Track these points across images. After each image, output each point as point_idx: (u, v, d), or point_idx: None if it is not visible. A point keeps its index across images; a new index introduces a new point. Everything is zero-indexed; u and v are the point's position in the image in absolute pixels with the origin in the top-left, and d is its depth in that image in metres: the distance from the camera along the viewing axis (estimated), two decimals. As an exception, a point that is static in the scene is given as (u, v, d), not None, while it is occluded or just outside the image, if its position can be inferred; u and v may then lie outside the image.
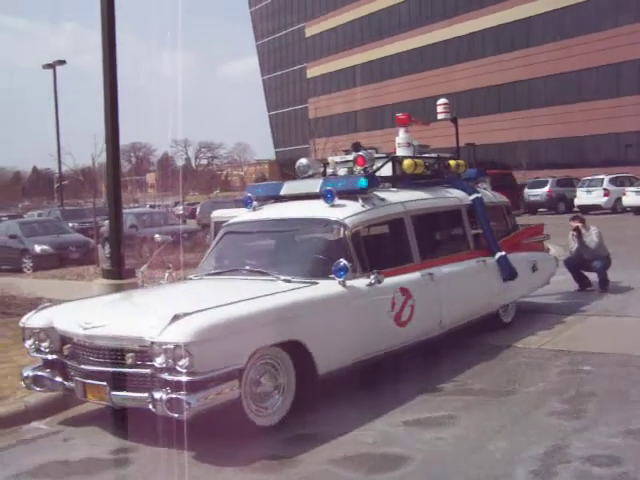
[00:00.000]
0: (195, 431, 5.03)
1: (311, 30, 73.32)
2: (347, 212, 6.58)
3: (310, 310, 5.69)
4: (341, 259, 5.99)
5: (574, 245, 10.86)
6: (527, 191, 33.53)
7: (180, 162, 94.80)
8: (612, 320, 8.82)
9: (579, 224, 10.88)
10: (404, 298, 6.58)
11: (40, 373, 5.78)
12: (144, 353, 5.04)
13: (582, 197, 31.16)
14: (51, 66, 34.42)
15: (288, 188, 7.39)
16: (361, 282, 6.16)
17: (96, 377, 5.28)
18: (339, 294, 5.96)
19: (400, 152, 8.25)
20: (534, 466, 4.56)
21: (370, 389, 6.33)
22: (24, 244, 19.16)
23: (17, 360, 7.59)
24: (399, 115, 8.33)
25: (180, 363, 4.77)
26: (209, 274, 6.76)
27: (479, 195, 8.39)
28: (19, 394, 6.41)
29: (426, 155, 8.33)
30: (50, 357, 5.78)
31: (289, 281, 6.05)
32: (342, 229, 6.41)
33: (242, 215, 7.36)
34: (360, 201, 6.77)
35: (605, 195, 30.33)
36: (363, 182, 6.85)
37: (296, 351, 5.50)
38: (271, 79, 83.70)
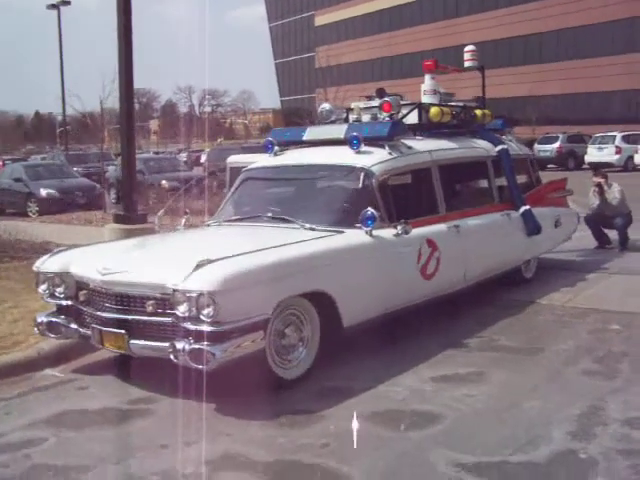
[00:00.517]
0: (217, 383, 4.84)
1: (320, -24, 71.68)
2: (374, 159, 6.30)
3: (336, 260, 5.46)
4: (369, 208, 5.74)
5: (595, 201, 10.58)
6: (537, 146, 33.01)
7: (184, 109, 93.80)
8: (635, 279, 8.58)
9: (602, 180, 10.58)
10: (430, 250, 6.35)
11: (54, 319, 5.57)
12: (165, 301, 4.82)
13: (593, 154, 30.68)
14: (55, 7, 33.61)
15: (311, 133, 7.08)
16: (388, 232, 5.91)
17: (114, 325, 5.07)
18: (366, 244, 5.72)
19: (426, 100, 7.90)
20: (571, 427, 4.37)
21: (395, 343, 6.13)
22: (29, 188, 18.87)
23: (28, 305, 7.40)
24: (426, 61, 7.96)
25: (204, 312, 4.55)
26: (228, 220, 6.50)
27: (505, 147, 8.09)
28: (31, 340, 6.22)
29: (452, 104, 7.99)
30: (65, 303, 5.57)
31: (314, 229, 5.80)
32: (369, 177, 6.14)
33: (262, 160, 7.07)
34: (387, 148, 6.49)
35: (617, 153, 29.85)
36: (390, 128, 6.56)
37: (321, 302, 5.28)
38: (278, 27, 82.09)
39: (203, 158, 41.46)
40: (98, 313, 5.19)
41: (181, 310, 4.65)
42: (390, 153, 6.45)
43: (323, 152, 6.72)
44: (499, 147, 7.98)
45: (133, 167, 8.94)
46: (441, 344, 6.14)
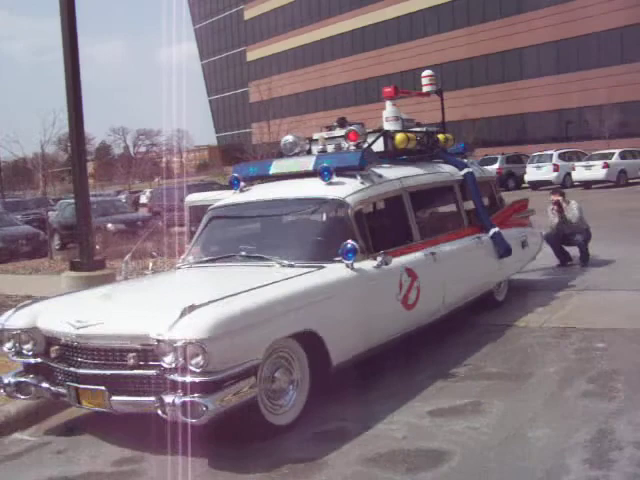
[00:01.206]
0: (206, 434, 4.55)
1: (250, 13, 72.13)
2: (347, 190, 6.13)
3: (322, 297, 5.24)
4: (348, 240, 5.55)
5: (554, 220, 10.66)
6: (476, 169, 33.52)
7: (118, 150, 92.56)
8: (605, 295, 8.61)
9: (559, 198, 10.68)
10: (410, 280, 6.19)
11: (23, 379, 5.17)
12: (148, 352, 4.51)
13: (532, 173, 31.36)
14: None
15: (278, 167, 6.88)
16: (368, 264, 5.73)
17: (92, 381, 4.71)
18: (349, 278, 5.52)
19: (388, 126, 7.81)
20: (585, 454, 4.23)
21: (382, 377, 5.93)
22: (-31, 237, 18.06)
23: (-16, 364, 6.94)
24: (386, 88, 7.89)
25: (193, 362, 4.26)
26: (200, 262, 6.22)
27: (470, 170, 8.05)
28: (-6, 403, 5.80)
29: (415, 129, 7.93)
30: (33, 361, 5.18)
31: (292, 266, 5.58)
32: (344, 208, 5.97)
33: (229, 197, 6.83)
34: (359, 178, 6.33)
35: (555, 170, 30.56)
36: (362, 158, 6.42)
37: (309, 342, 5.05)
38: (210, 63, 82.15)
39: (142, 199, 40.81)
40: (73, 370, 4.83)
41: (167, 361, 4.35)
42: (362, 182, 6.30)
43: (293, 185, 6.52)
44: (465, 170, 7.94)
45: (87, 210, 8.57)
46: (429, 375, 5.97)
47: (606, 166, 28.64)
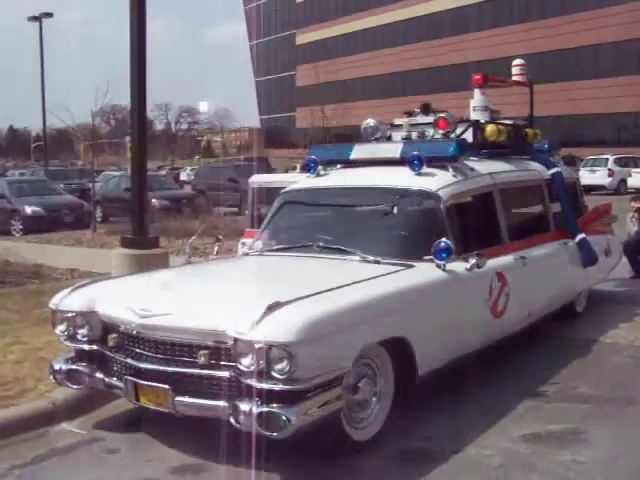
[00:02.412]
0: (278, 447, 4.01)
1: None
2: (440, 182, 5.55)
3: (413, 300, 4.68)
4: (442, 238, 4.97)
5: (634, 228, 9.93)
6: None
7: (160, 126, 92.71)
8: (693, 314, 7.90)
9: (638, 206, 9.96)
10: (500, 285, 5.60)
11: (76, 367, 4.69)
12: (222, 351, 3.99)
13: (586, 177, 30.21)
14: (37, 19, 32.57)
15: (360, 152, 6.30)
16: (459, 266, 5.14)
17: (154, 377, 4.21)
18: (441, 280, 4.95)
19: (475, 117, 7.19)
20: None
21: (464, 392, 5.32)
22: (13, 204, 17.80)
23: (30, 342, 6.52)
24: (475, 75, 7.26)
25: (277, 367, 3.72)
26: (271, 250, 5.68)
27: (559, 169, 7.42)
28: (41, 387, 5.35)
29: (504, 122, 7.28)
30: (88, 348, 4.69)
31: (378, 262, 5.02)
32: (436, 202, 5.39)
33: (305, 181, 6.27)
34: (451, 170, 5.74)
35: (610, 175, 29.51)
36: (455, 148, 5.81)
37: (397, 349, 4.49)
38: (259, 45, 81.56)
39: (182, 176, 40.52)
40: (134, 362, 4.33)
41: (245, 363, 3.82)
42: (454, 175, 5.71)
43: (377, 173, 5.95)
44: (553, 170, 7.29)
45: (144, 185, 8.08)
46: (516, 393, 5.38)
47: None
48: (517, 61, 7.85)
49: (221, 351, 3.99)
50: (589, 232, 7.72)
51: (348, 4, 64.61)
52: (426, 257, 5.06)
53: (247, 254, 5.80)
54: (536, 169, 7.20)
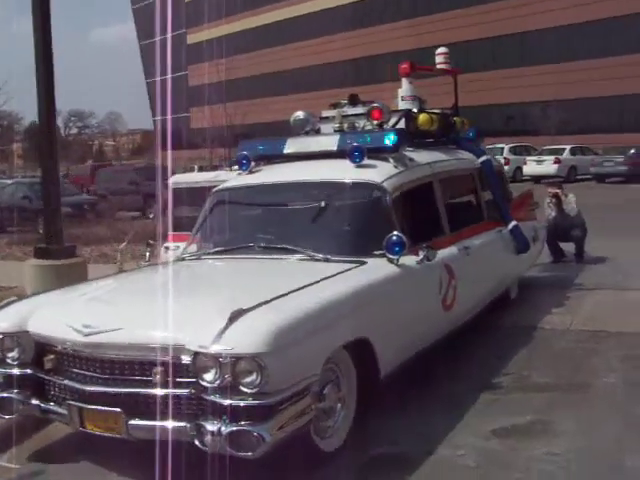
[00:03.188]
0: (240, 464, 3.67)
1: (191, -6, 70.16)
2: (384, 174, 5.35)
3: (372, 298, 4.46)
4: (394, 232, 4.78)
5: (552, 213, 10.12)
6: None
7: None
8: (619, 295, 8.06)
9: (558, 190, 10.16)
10: (448, 277, 5.48)
11: (7, 395, 4.18)
12: (181, 367, 3.63)
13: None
14: None
15: (294, 145, 6.02)
16: (410, 259, 4.96)
17: (103, 400, 3.79)
18: (395, 275, 4.75)
19: (404, 106, 7.06)
20: None
21: (419, 390, 5.15)
22: None
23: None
24: (402, 64, 7.13)
25: (246, 381, 3.41)
26: (210, 253, 5.32)
27: (488, 157, 7.40)
28: (-38, 420, 4.78)
29: (433, 111, 7.18)
30: (19, 372, 4.20)
31: (328, 260, 4.77)
32: (381, 194, 5.19)
33: (237, 179, 5.93)
34: (392, 161, 5.56)
35: (505, 164, 30.33)
36: (395, 138, 5.63)
37: (358, 351, 4.25)
38: (149, 45, 79.49)
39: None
40: (77, 385, 3.90)
41: (208, 379, 3.48)
42: (396, 166, 5.53)
43: (316, 167, 5.69)
44: (483, 157, 7.27)
45: (57, 192, 7.51)
46: (471, 386, 5.27)
47: (558, 161, 28.67)
48: (441, 49, 7.78)
49: (179, 367, 3.63)
50: (517, 219, 7.77)
51: (239, 1, 63.99)
52: (376, 252, 4.86)
53: (183, 259, 5.41)
54: (467, 158, 7.14)
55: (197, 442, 3.51)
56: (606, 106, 40.47)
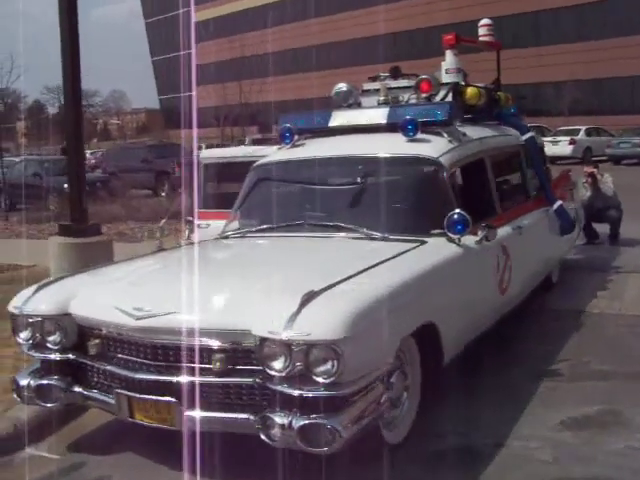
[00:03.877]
0: (298, 457, 3.39)
1: (198, -28, 69.26)
2: (439, 148, 5.04)
3: (437, 280, 4.16)
4: (456, 210, 4.47)
5: (587, 193, 9.77)
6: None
7: (53, 110, 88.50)
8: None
9: (594, 170, 9.82)
10: (505, 258, 5.18)
11: (48, 381, 3.91)
12: (245, 354, 3.34)
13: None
14: None
15: (339, 118, 5.68)
16: (469, 239, 4.65)
17: (156, 390, 3.52)
18: (457, 256, 4.45)
19: (448, 80, 6.70)
20: None
21: (475, 378, 4.86)
22: None
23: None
24: (446, 35, 6.77)
25: (320, 370, 3.12)
26: (255, 231, 5.00)
27: (533, 134, 7.07)
28: (-4, 406, 4.52)
29: (480, 85, 6.83)
30: (60, 357, 3.92)
31: (386, 239, 4.47)
32: (439, 170, 4.87)
33: (280, 153, 5.62)
34: (445, 135, 5.24)
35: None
36: (448, 111, 5.32)
37: (422, 337, 3.96)
38: (154, 22, 78.68)
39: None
40: (127, 373, 3.61)
41: (277, 367, 3.19)
42: (450, 141, 5.21)
43: (365, 141, 5.37)
44: (527, 135, 6.93)
45: (82, 167, 7.19)
46: (529, 373, 5.01)
47: (573, 142, 28.23)
48: (484, 21, 7.42)
49: (242, 354, 3.35)
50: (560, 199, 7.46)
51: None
52: (434, 231, 4.56)
53: (226, 237, 5.10)
54: (512, 134, 6.82)
55: (263, 436, 3.24)
56: (620, 87, 39.97)
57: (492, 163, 5.73)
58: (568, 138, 28.43)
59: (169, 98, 74.58)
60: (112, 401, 3.70)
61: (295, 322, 3.10)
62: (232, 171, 6.80)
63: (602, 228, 9.90)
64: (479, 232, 4.70)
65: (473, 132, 5.82)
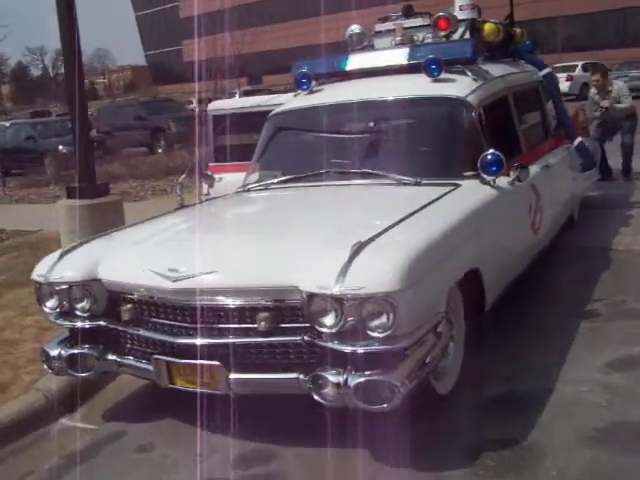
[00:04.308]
0: (348, 413, 3.27)
1: None
2: (465, 88, 4.82)
3: (479, 224, 4.00)
4: (489, 150, 4.28)
5: (595, 113, 9.35)
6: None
7: (37, 72, 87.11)
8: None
9: (602, 78, 9.48)
10: (535, 198, 5.02)
11: (80, 350, 3.76)
12: (290, 311, 3.19)
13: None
14: None
15: (357, 62, 5.44)
16: (502, 180, 4.47)
17: (197, 353, 3.37)
18: (494, 198, 4.28)
19: (463, 17, 6.41)
20: None
21: (513, 321, 4.74)
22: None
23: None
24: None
25: (375, 324, 2.97)
26: (279, 182, 4.79)
27: (550, 70, 6.84)
28: (24, 378, 4.39)
29: (495, 21, 6.55)
30: (90, 325, 3.76)
31: (419, 184, 4.29)
32: (468, 110, 4.66)
33: (298, 100, 5.38)
34: (470, 74, 5.01)
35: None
36: (472, 48, 5.09)
37: (466, 284, 3.81)
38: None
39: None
40: (167, 338, 3.46)
41: (328, 324, 3.04)
42: (475, 80, 4.98)
43: (388, 83, 5.13)
44: (545, 70, 6.71)
45: (87, 129, 6.95)
46: (566, 315, 4.90)
47: (570, 79, 27.79)
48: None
49: (288, 311, 3.20)
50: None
51: None
52: (467, 173, 4.39)
53: (248, 190, 4.90)
54: (530, 70, 6.58)
55: (315, 395, 3.10)
56: (611, 20, 39.33)
57: (515, 101, 5.52)
58: (565, 75, 27.93)
59: (156, 53, 73.31)
60: (150, 368, 3.55)
61: (347, 275, 2.94)
62: (243, 122, 6.56)
63: (614, 162, 9.71)
64: (511, 172, 4.52)
65: (495, 70, 5.59)
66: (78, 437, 3.83)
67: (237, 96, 10.36)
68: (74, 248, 3.93)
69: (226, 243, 3.52)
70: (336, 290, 2.93)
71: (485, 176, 4.28)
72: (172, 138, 19.20)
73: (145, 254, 3.68)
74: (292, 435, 3.47)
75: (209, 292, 3.27)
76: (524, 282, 5.02)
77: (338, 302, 2.97)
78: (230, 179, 5.62)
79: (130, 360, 3.70)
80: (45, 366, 3.92)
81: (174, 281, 3.32)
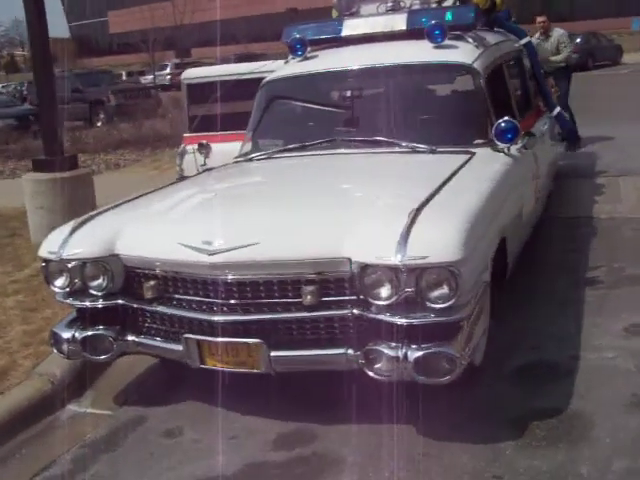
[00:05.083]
0: (371, 390, 3.16)
1: None
2: (470, 54, 4.73)
3: (504, 193, 3.93)
4: (505, 117, 4.22)
5: (537, 40, 9.19)
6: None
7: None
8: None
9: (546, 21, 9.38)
10: (536, 166, 5.01)
11: (95, 332, 3.52)
12: (338, 283, 3.05)
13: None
14: None
15: (353, 27, 5.26)
16: (512, 148, 4.42)
17: (235, 331, 3.20)
18: (511, 166, 4.22)
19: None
20: None
21: (522, 290, 4.71)
22: None
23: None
24: None
25: (434, 295, 2.87)
26: (282, 151, 4.60)
27: (530, 38, 6.84)
28: (24, 362, 4.13)
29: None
30: (106, 303, 3.53)
31: (434, 152, 4.19)
32: (476, 76, 4.58)
33: (292, 66, 5.17)
34: (471, 40, 4.93)
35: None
36: (474, 13, 5.00)
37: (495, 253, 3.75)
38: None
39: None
40: (201, 316, 3.27)
41: (383, 295, 2.92)
42: (477, 46, 4.90)
43: (388, 49, 4.97)
44: (525, 39, 6.69)
45: (54, 98, 6.55)
46: (570, 283, 4.94)
47: None
48: None
49: (334, 284, 3.05)
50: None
51: None
52: (477, 141, 4.32)
53: (250, 160, 4.68)
54: (513, 39, 6.54)
55: (368, 371, 2.99)
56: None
57: (508, 69, 5.48)
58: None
59: (79, 25, 70.66)
60: (176, 347, 3.36)
61: (407, 244, 2.81)
62: (221, 91, 6.29)
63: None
64: (519, 140, 4.47)
65: (489, 37, 5.52)
66: (93, 424, 3.62)
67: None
68: (85, 222, 3.66)
69: (261, 214, 3.33)
70: (397, 260, 2.81)
71: (499, 143, 4.21)
72: (112, 111, 18.56)
73: (171, 227, 3.46)
74: (329, 413, 3.35)
75: (249, 266, 3.09)
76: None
77: (394, 273, 2.85)
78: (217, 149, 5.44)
79: (153, 340, 3.49)
80: (55, 350, 3.67)
81: (211, 254, 3.13)
